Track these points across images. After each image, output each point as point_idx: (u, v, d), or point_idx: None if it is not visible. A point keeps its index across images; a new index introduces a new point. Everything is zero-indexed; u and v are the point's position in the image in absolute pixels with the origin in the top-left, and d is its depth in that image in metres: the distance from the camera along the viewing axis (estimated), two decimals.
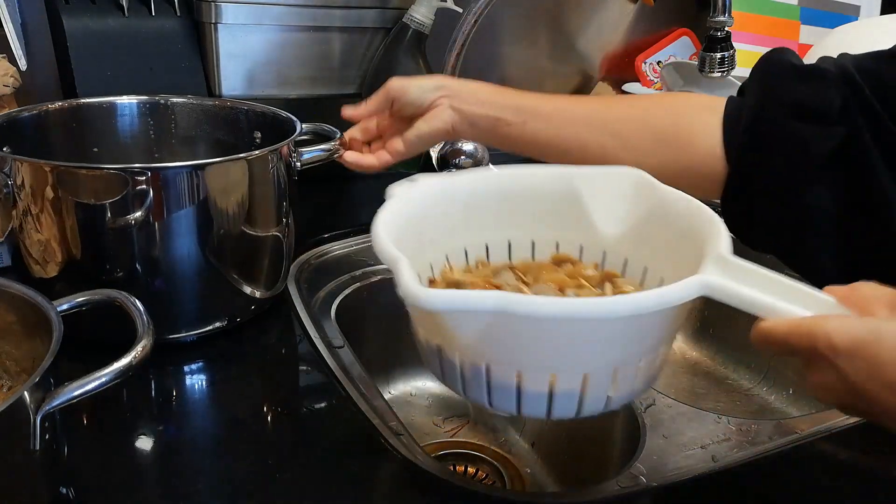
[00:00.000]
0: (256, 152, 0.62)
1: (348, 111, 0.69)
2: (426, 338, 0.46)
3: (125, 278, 0.59)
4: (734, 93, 1.12)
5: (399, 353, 0.86)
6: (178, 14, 0.89)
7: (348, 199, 1.06)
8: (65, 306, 0.46)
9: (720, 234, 0.42)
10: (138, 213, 0.56)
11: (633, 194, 0.51)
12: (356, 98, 1.01)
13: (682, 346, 0.98)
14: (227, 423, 0.58)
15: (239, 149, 0.68)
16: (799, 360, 0.38)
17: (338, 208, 1.01)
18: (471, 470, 0.77)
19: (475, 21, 0.77)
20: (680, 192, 0.49)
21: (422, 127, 0.65)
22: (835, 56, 0.53)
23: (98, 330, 0.54)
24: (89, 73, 0.82)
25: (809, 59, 1.14)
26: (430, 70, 0.99)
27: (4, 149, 0.62)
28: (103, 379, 0.41)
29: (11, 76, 0.78)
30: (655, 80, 1.29)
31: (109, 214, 0.56)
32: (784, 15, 1.23)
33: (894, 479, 0.56)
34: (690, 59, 1.28)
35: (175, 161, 0.73)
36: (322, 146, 0.70)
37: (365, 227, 0.90)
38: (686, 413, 0.61)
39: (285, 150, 0.65)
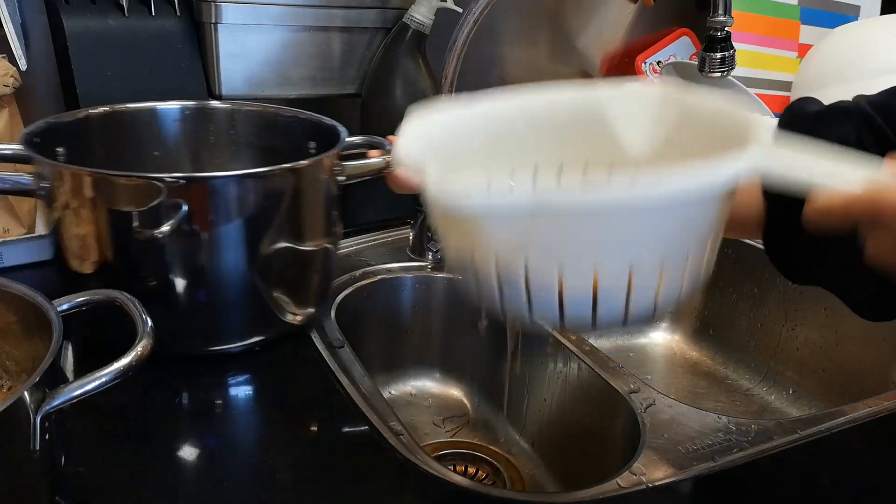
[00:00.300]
0: (304, 162, 0.61)
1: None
2: (458, 246, 0.43)
3: (155, 286, 0.58)
4: (734, 93, 1.12)
5: (399, 353, 0.86)
6: (178, 14, 0.89)
7: (348, 199, 1.06)
8: (65, 306, 0.46)
9: (761, 126, 0.41)
10: (174, 223, 0.55)
11: (659, 110, 0.50)
12: (356, 98, 1.01)
13: (682, 346, 0.98)
14: (226, 423, 0.58)
15: (286, 157, 0.65)
16: (861, 229, 0.38)
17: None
18: (471, 470, 0.77)
19: (475, 21, 0.77)
20: (711, 98, 0.47)
21: None
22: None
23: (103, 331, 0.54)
24: (89, 73, 0.82)
25: (809, 58, 1.15)
26: (430, 70, 0.99)
27: (58, 149, 0.62)
28: (103, 379, 0.41)
29: (11, 76, 0.78)
30: (655, 80, 1.29)
31: (152, 223, 0.55)
32: (784, 15, 1.23)
33: (894, 479, 0.56)
34: (690, 59, 1.28)
35: (220, 170, 0.72)
36: (371, 160, 0.68)
37: (365, 227, 0.90)
38: (686, 413, 0.61)
39: (328, 161, 0.64)
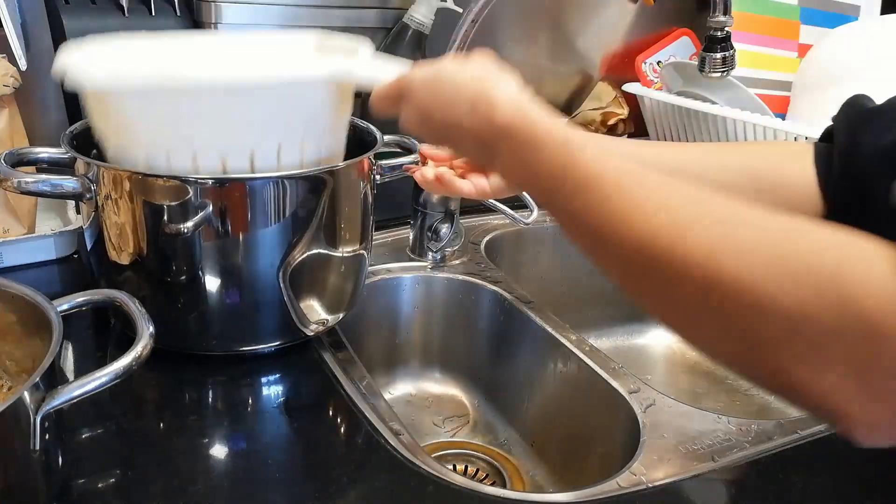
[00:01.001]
0: (341, 164, 0.61)
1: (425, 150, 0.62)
2: (104, 125, 0.55)
3: (184, 281, 0.58)
4: (734, 93, 1.12)
5: (399, 353, 0.86)
6: (178, 14, 0.89)
7: None
8: (65, 306, 0.46)
9: (363, 47, 0.58)
10: (212, 224, 0.56)
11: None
12: (356, 98, 1.01)
13: (682, 346, 0.98)
14: (226, 423, 0.58)
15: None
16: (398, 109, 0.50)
17: None
18: (471, 470, 0.77)
19: (475, 21, 0.76)
20: (351, 37, 0.61)
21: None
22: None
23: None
24: None
25: (809, 58, 1.15)
26: None
27: (93, 153, 0.62)
28: (103, 379, 0.41)
29: (11, 76, 0.78)
30: (655, 80, 1.29)
31: (187, 223, 0.55)
32: (784, 15, 1.23)
33: (894, 479, 0.56)
34: (690, 59, 1.28)
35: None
36: (403, 159, 0.68)
37: None
38: (686, 413, 0.61)
39: (367, 163, 0.64)
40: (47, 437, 0.40)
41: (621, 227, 0.37)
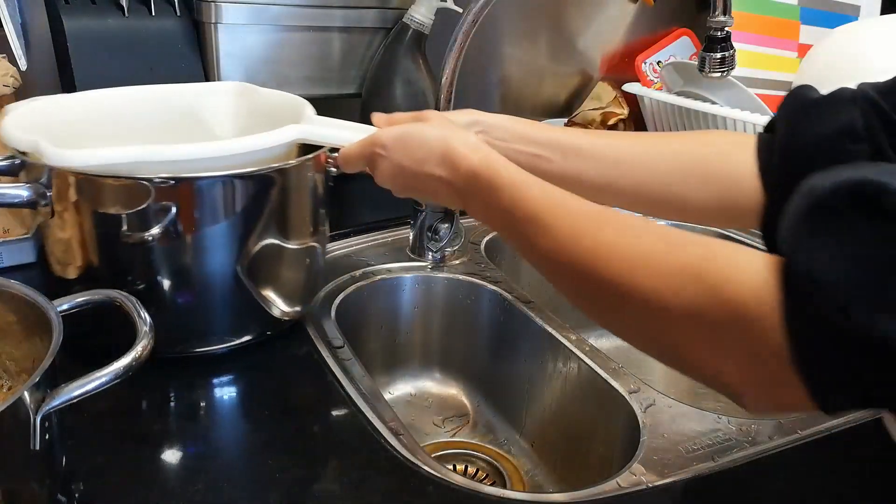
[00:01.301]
0: (292, 161, 0.61)
1: (377, 118, 0.62)
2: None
3: (143, 289, 0.58)
4: (734, 93, 1.12)
5: (399, 353, 0.86)
6: (178, 14, 0.89)
7: (348, 199, 1.06)
8: (65, 306, 0.46)
9: (307, 107, 0.66)
10: (163, 224, 0.55)
11: (237, 101, 0.71)
12: (356, 98, 1.01)
13: None
14: (226, 423, 0.58)
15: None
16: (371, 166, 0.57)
17: (338, 208, 1.01)
18: (471, 470, 0.77)
19: (475, 21, 0.77)
20: (275, 91, 0.72)
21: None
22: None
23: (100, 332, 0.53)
24: (89, 73, 0.82)
25: (809, 58, 1.15)
26: (430, 70, 0.99)
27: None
28: (103, 379, 0.41)
29: (11, 76, 0.78)
30: (655, 79, 1.29)
31: (136, 225, 0.55)
32: (784, 15, 1.23)
33: (894, 479, 0.56)
34: (690, 59, 1.28)
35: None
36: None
37: (365, 227, 0.90)
38: (686, 413, 0.61)
39: (322, 157, 0.64)
40: (47, 437, 0.40)
41: (559, 254, 0.44)
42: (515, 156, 0.57)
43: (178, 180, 0.55)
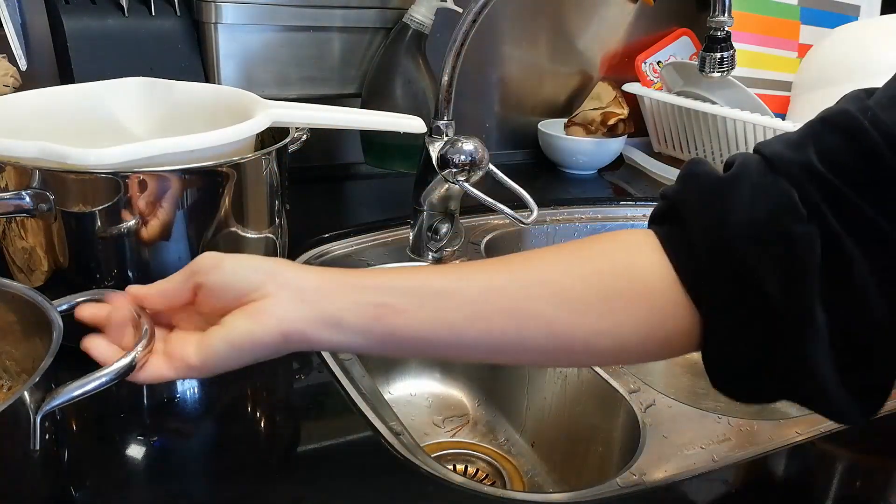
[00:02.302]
0: (249, 156, 0.61)
1: (134, 290, 0.45)
2: None
3: (113, 286, 0.57)
4: (734, 93, 1.12)
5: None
6: (178, 14, 0.89)
7: (348, 199, 1.06)
8: (64, 306, 0.46)
9: (248, 94, 0.66)
10: (124, 218, 0.55)
11: (149, 97, 0.69)
12: (356, 98, 1.01)
13: None
14: (226, 423, 0.58)
15: None
16: None
17: (338, 208, 1.01)
18: (471, 470, 0.77)
19: (475, 21, 0.77)
20: (197, 84, 0.71)
21: (238, 326, 0.41)
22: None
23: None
24: (89, 73, 0.82)
25: (809, 58, 1.14)
26: (430, 70, 0.99)
27: None
28: (103, 379, 0.41)
29: (11, 76, 0.78)
30: (655, 79, 1.29)
31: (95, 219, 0.55)
32: (784, 15, 1.23)
33: (894, 479, 0.56)
34: (690, 59, 1.28)
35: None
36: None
37: (365, 227, 0.90)
38: (686, 413, 0.61)
39: (270, 157, 0.64)
40: (47, 437, 0.40)
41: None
42: (345, 313, 0.41)
43: (136, 174, 0.54)
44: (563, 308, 0.42)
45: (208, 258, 0.43)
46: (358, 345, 0.42)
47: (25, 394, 0.37)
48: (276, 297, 0.41)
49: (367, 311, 0.41)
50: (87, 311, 0.45)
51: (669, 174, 1.16)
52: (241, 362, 0.42)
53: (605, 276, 0.43)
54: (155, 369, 0.41)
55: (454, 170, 0.77)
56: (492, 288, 0.42)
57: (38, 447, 0.39)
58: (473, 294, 0.42)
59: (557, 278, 0.43)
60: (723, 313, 0.40)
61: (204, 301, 0.43)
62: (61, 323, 0.42)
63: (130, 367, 0.41)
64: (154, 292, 0.44)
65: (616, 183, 1.17)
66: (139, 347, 0.42)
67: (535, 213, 0.78)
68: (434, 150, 0.79)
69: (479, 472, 0.77)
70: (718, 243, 0.40)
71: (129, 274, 0.58)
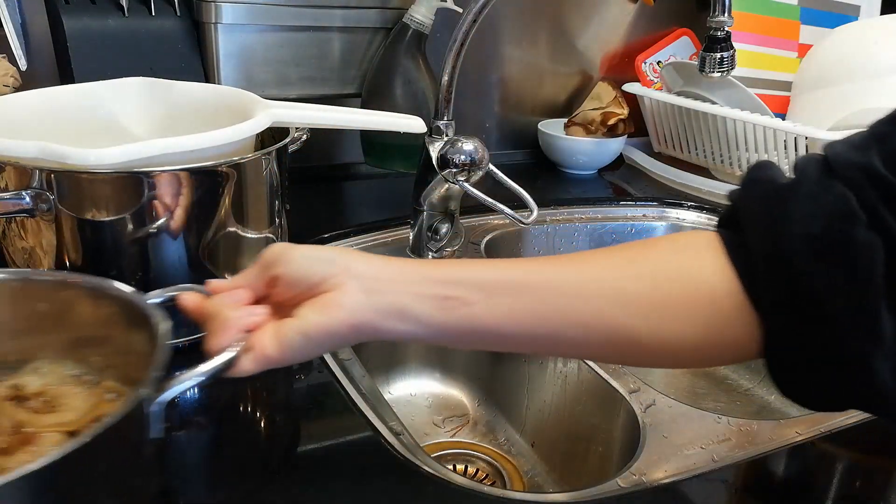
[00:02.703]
0: (249, 156, 0.61)
1: (211, 284, 0.47)
2: None
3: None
4: (734, 93, 1.12)
5: (399, 353, 0.86)
6: (178, 14, 0.89)
7: (348, 199, 1.06)
8: (158, 299, 0.45)
9: (247, 94, 0.67)
10: (124, 218, 0.55)
11: (150, 97, 0.69)
12: (356, 98, 1.01)
13: None
14: (226, 423, 0.58)
15: None
16: None
17: (337, 208, 1.01)
18: (471, 470, 0.77)
19: (475, 21, 0.77)
20: (198, 84, 0.70)
21: (310, 318, 0.42)
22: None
23: None
24: (89, 73, 0.82)
25: (809, 58, 1.15)
26: (430, 70, 0.99)
27: None
28: (209, 372, 0.41)
29: (11, 76, 0.78)
30: (655, 79, 1.29)
31: (94, 219, 0.55)
32: (784, 15, 1.23)
33: (894, 480, 0.56)
34: (690, 59, 1.28)
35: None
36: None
37: (365, 227, 0.90)
38: (686, 413, 0.61)
39: (274, 153, 0.64)
40: (157, 427, 0.40)
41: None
42: (412, 304, 0.43)
43: (134, 174, 0.54)
44: (627, 310, 0.42)
45: (278, 250, 0.44)
46: (424, 334, 0.43)
47: (144, 390, 0.38)
48: (347, 289, 0.42)
49: (435, 303, 0.42)
50: (190, 302, 0.45)
51: (669, 174, 1.16)
52: (316, 352, 0.43)
53: (668, 279, 0.43)
54: (238, 362, 0.42)
55: (454, 170, 0.77)
56: (558, 286, 0.43)
57: (150, 438, 0.39)
58: (540, 291, 0.43)
59: (620, 280, 0.43)
60: (783, 324, 0.40)
61: (278, 292, 0.44)
62: (166, 315, 0.42)
63: (229, 363, 0.41)
64: (230, 286, 0.45)
65: (616, 183, 1.17)
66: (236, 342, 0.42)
67: (535, 213, 0.78)
68: (434, 150, 0.79)
69: (479, 472, 0.77)
70: (775, 254, 0.40)
71: (130, 274, 0.58)
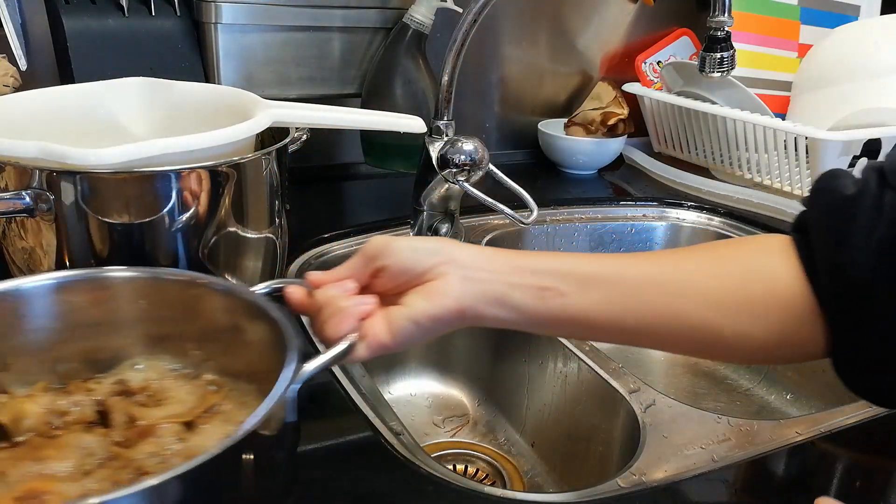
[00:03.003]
0: (249, 156, 0.61)
1: (313, 276, 0.47)
2: None
3: None
4: (734, 93, 1.12)
5: (399, 353, 0.86)
6: (178, 14, 0.89)
7: (348, 199, 1.06)
8: (264, 291, 0.46)
9: (248, 94, 0.66)
10: (124, 218, 0.55)
11: (150, 97, 0.69)
12: (356, 98, 1.01)
13: None
14: None
15: None
16: None
17: (338, 208, 1.01)
18: (471, 470, 0.77)
19: (475, 21, 0.77)
20: (198, 84, 0.71)
21: (419, 306, 0.44)
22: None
23: None
24: (89, 73, 0.82)
25: (809, 58, 1.15)
26: (430, 70, 0.99)
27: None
28: (331, 359, 0.42)
29: (11, 76, 0.78)
30: (655, 80, 1.29)
31: (95, 219, 0.55)
32: (784, 15, 1.23)
33: (894, 480, 0.56)
34: (690, 59, 1.28)
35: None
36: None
37: (365, 227, 0.90)
38: (686, 413, 0.61)
39: (274, 153, 0.64)
40: (294, 409, 0.41)
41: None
42: (509, 293, 0.45)
43: (134, 173, 0.54)
44: (716, 308, 0.45)
45: (380, 243, 0.46)
46: (519, 321, 0.46)
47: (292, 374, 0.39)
48: (451, 277, 0.45)
49: (532, 293, 0.45)
50: (297, 295, 0.47)
51: (669, 174, 1.16)
52: (425, 337, 0.45)
53: (753, 279, 0.45)
54: (352, 350, 0.44)
55: (454, 170, 0.77)
56: (652, 281, 0.46)
57: (290, 421, 0.40)
58: (633, 285, 0.46)
59: (713, 277, 0.46)
60: (847, 329, 0.43)
61: (381, 282, 0.46)
62: (285, 315, 0.43)
63: (346, 352, 0.43)
64: (333, 278, 0.47)
65: (616, 183, 1.17)
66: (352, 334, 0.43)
67: (535, 213, 0.78)
68: (434, 150, 0.79)
69: (479, 472, 0.77)
70: (839, 260, 0.42)
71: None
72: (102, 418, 0.43)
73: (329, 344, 0.43)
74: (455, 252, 0.46)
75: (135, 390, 0.45)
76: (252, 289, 0.47)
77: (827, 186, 0.45)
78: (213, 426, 0.42)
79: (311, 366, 0.41)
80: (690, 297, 0.45)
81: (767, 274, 0.45)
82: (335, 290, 0.45)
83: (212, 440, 0.41)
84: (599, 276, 0.46)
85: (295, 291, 0.47)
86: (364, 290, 0.46)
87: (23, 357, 0.45)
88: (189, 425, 0.42)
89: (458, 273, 0.45)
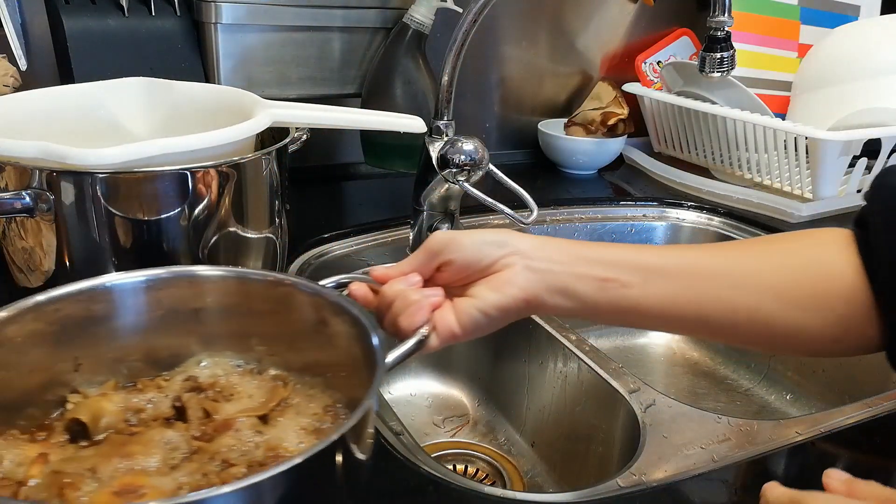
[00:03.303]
0: (249, 156, 0.61)
1: (378, 271, 0.49)
2: None
3: None
4: (734, 93, 1.12)
5: None
6: (178, 14, 0.89)
7: (348, 199, 1.06)
8: (332, 285, 0.47)
9: (249, 95, 0.66)
10: (124, 218, 0.55)
11: (149, 98, 0.69)
12: (356, 98, 1.01)
13: (682, 346, 0.98)
14: None
15: None
16: None
17: (337, 208, 1.01)
18: (471, 470, 0.77)
19: (475, 21, 0.77)
20: (198, 84, 0.71)
21: (488, 297, 0.46)
22: None
23: None
24: (89, 73, 0.82)
25: (809, 58, 1.15)
26: (430, 70, 0.99)
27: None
28: (408, 351, 0.43)
29: (11, 76, 0.78)
30: (655, 80, 1.29)
31: (95, 219, 0.55)
32: (784, 15, 1.23)
33: (894, 480, 0.56)
34: (690, 59, 1.28)
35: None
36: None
37: (365, 227, 0.90)
38: (686, 413, 0.61)
39: (271, 156, 0.64)
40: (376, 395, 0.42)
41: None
42: (573, 283, 0.47)
43: (136, 173, 0.55)
44: (778, 300, 0.46)
45: (444, 238, 0.47)
46: (580, 310, 0.48)
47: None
48: (516, 269, 0.46)
49: (595, 283, 0.47)
50: (362, 290, 0.48)
51: (669, 174, 1.16)
52: (493, 327, 0.47)
53: (815, 272, 0.46)
54: (427, 341, 0.45)
55: (454, 170, 0.77)
56: (712, 275, 0.47)
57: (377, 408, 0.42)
58: (695, 279, 0.47)
59: (776, 271, 0.47)
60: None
61: (446, 276, 0.47)
62: (358, 306, 0.44)
63: (419, 346, 0.44)
64: (398, 272, 0.48)
65: (616, 183, 1.17)
66: (424, 329, 0.45)
67: (535, 213, 0.78)
68: (434, 150, 0.79)
69: (479, 472, 0.77)
70: (894, 255, 0.43)
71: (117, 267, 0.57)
72: (179, 414, 0.43)
73: (402, 336, 0.44)
74: (519, 243, 0.47)
75: (204, 386, 0.46)
76: (321, 282, 0.47)
77: (887, 182, 0.46)
78: (288, 419, 0.43)
79: (391, 357, 0.42)
80: (752, 290, 0.46)
81: (827, 267, 0.46)
82: (402, 284, 0.46)
83: (289, 432, 0.42)
84: (662, 269, 0.47)
85: (359, 288, 0.48)
86: (426, 283, 0.48)
87: (92, 357, 0.45)
88: (263, 419, 0.43)
89: (522, 263, 0.46)
